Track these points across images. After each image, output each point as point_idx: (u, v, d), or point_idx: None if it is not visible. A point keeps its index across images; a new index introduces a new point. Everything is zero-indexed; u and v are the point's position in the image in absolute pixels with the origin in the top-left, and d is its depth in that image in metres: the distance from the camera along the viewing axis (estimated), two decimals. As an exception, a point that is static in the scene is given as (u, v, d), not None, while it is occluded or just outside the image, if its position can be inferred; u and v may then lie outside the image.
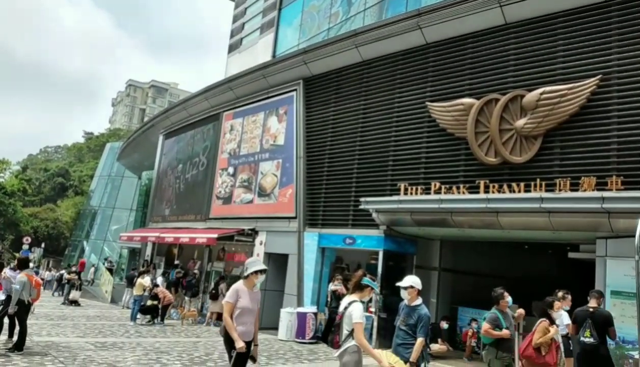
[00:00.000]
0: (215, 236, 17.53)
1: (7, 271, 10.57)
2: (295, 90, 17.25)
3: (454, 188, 12.06)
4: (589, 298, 7.96)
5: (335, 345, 5.72)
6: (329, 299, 13.87)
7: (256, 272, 5.97)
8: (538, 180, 10.79)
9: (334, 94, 16.17)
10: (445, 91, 13.09)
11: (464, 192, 11.84)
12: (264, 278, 6.06)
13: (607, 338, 7.65)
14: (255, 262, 6.17)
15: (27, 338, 9.74)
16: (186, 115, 23.88)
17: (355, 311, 5.52)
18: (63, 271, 28.74)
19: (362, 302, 5.72)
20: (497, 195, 11.16)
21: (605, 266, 9.98)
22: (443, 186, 12.25)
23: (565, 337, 7.91)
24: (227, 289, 16.62)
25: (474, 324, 12.95)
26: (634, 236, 8.13)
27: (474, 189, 11.72)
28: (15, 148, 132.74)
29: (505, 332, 7.16)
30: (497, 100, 11.84)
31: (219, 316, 16.71)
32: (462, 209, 11.64)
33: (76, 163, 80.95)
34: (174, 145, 25.32)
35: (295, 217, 16.11)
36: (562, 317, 8.08)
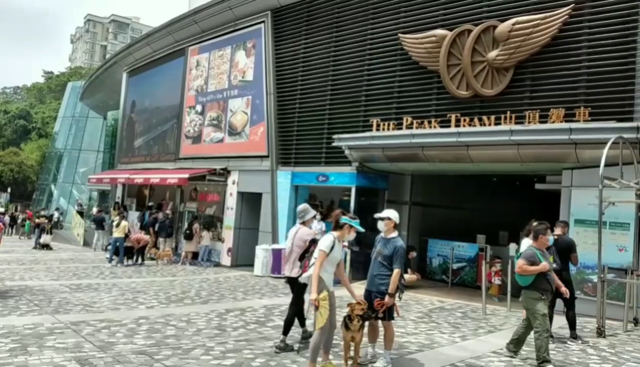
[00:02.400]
0: (186, 176, 17.33)
1: None
2: (264, 22, 16.63)
3: (426, 122, 12.06)
4: (555, 227, 8.23)
5: (304, 270, 6.14)
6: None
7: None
8: (508, 112, 10.86)
9: (304, 26, 15.66)
10: (418, 22, 12.81)
11: (435, 127, 11.87)
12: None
13: (570, 264, 7.99)
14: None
15: (-1, 283, 9.66)
16: (150, 51, 22.93)
17: (322, 240, 5.76)
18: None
19: (344, 241, 5.81)
20: (467, 128, 11.22)
21: (570, 195, 10.30)
22: (415, 121, 12.23)
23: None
24: (201, 229, 16.79)
25: (497, 263, 12.69)
26: (598, 166, 8.40)
27: (446, 123, 11.74)
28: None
29: (543, 265, 6.25)
30: (469, 31, 11.67)
31: (194, 255, 16.86)
32: (433, 143, 11.70)
33: (37, 104, 77.91)
34: (139, 83, 24.45)
35: (267, 156, 15.98)
36: (523, 245, 8.35)
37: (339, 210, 6.00)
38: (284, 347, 6.56)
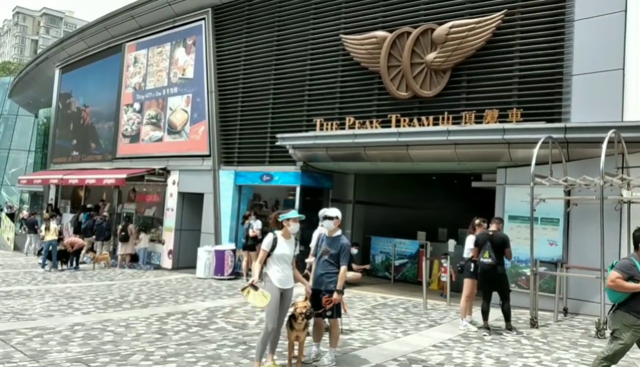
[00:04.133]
0: (124, 176, 16.75)
1: None
2: (204, 19, 16.33)
3: (368, 123, 12.25)
4: (490, 223, 8.57)
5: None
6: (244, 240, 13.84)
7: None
8: (446, 113, 11.20)
9: (245, 24, 15.51)
10: (359, 23, 12.98)
11: (376, 127, 12.07)
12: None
13: (504, 258, 8.35)
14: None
15: None
16: (85, 47, 21.98)
17: (264, 240, 5.85)
18: None
19: (293, 235, 5.87)
20: (407, 129, 11.49)
21: (504, 193, 10.76)
22: (357, 121, 12.39)
23: (470, 260, 8.53)
24: (137, 230, 16.25)
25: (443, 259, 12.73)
26: (530, 165, 8.82)
27: (386, 124, 11.97)
28: None
29: None
30: (408, 33, 11.95)
31: (133, 258, 16.33)
32: (374, 143, 11.91)
33: (-40, 100, 72.98)
34: (73, 80, 23.37)
35: (209, 155, 15.70)
36: (469, 242, 8.68)
37: (274, 213, 6.01)
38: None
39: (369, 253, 14.91)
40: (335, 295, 5.92)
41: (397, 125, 11.70)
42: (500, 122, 10.47)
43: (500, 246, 8.20)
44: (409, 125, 11.61)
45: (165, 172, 16.84)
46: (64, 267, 15.16)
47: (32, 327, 7.59)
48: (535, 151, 8.80)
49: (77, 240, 15.87)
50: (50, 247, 14.93)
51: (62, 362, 5.89)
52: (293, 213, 5.91)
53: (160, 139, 17.46)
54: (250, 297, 5.52)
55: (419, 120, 11.55)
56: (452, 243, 12.78)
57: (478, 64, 11.25)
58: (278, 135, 13.53)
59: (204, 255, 14.10)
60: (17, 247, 23.28)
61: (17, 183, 31.93)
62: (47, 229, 15.24)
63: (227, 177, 15.31)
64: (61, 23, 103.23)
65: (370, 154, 12.15)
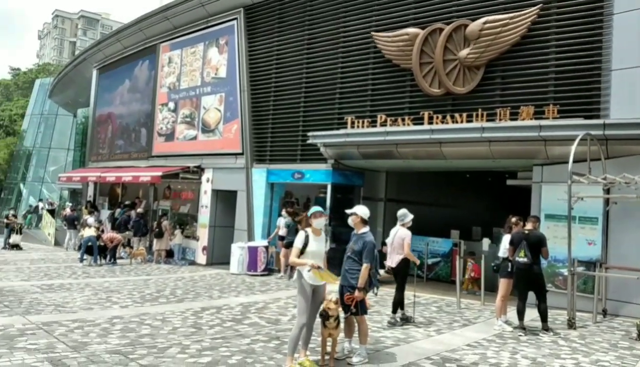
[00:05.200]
0: (160, 173, 17.12)
1: None
2: (236, 19, 16.52)
3: (400, 120, 12.19)
4: (526, 222, 8.42)
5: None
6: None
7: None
8: (480, 110, 11.04)
9: (277, 24, 15.62)
10: (390, 20, 12.91)
11: (409, 124, 12.00)
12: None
13: (541, 258, 8.19)
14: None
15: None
16: (121, 48, 22.53)
17: (296, 238, 5.92)
18: None
19: (324, 232, 5.95)
20: (440, 126, 11.38)
21: (540, 191, 10.54)
22: (389, 118, 12.35)
23: (505, 260, 8.41)
24: (171, 226, 16.61)
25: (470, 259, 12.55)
26: (567, 162, 8.62)
27: (419, 121, 11.88)
28: None
29: None
30: (441, 30, 11.82)
31: (169, 254, 16.69)
32: (407, 140, 11.83)
33: (4, 101, 75.68)
34: (110, 80, 24.01)
35: (242, 153, 15.90)
36: (504, 241, 8.56)
37: (304, 215, 6.13)
38: (394, 323, 8.18)
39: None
40: (356, 292, 5.94)
41: (430, 123, 11.61)
42: (536, 118, 10.26)
43: (536, 245, 8.05)
44: (442, 122, 11.50)
45: (200, 170, 17.13)
46: (103, 262, 15.60)
47: (73, 320, 7.85)
48: (573, 148, 8.60)
49: (116, 236, 16.33)
50: (90, 243, 15.37)
51: (101, 353, 6.09)
52: (314, 208, 5.97)
53: (195, 138, 17.77)
54: (322, 277, 5.65)
55: (452, 117, 11.43)
56: (486, 242, 12.59)
57: (513, 60, 11.05)
58: (309, 134, 13.59)
59: (238, 251, 14.30)
60: (57, 243, 24.07)
61: (57, 180, 32.98)
62: (86, 225, 15.70)
63: (259, 175, 15.47)
64: (98, 25, 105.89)
65: (402, 152, 12.08)
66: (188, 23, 18.35)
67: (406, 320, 8.45)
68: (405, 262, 8.38)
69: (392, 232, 8.63)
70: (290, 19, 15.27)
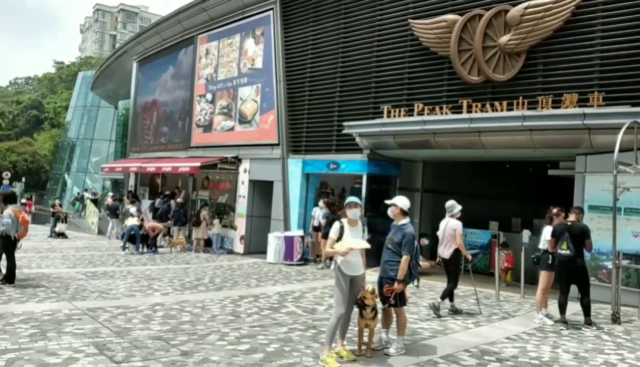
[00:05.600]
0: (198, 164, 17.42)
1: None
2: (272, 9, 16.57)
3: (437, 109, 12.01)
4: (569, 213, 8.19)
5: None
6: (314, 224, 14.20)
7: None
8: (520, 98, 10.76)
9: (312, 13, 15.58)
10: (427, 7, 12.69)
11: (446, 113, 11.81)
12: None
13: (584, 250, 7.95)
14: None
15: (17, 271, 9.82)
16: (159, 40, 22.95)
17: (331, 228, 5.92)
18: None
19: (360, 222, 5.94)
20: (479, 114, 11.16)
21: (584, 181, 10.22)
22: (426, 107, 12.18)
23: (546, 252, 8.21)
24: (210, 216, 16.92)
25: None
26: (612, 152, 8.32)
27: (457, 109, 11.68)
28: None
29: None
30: (480, 16, 11.55)
31: (207, 243, 17.01)
32: (444, 129, 11.65)
33: (49, 94, 78.45)
34: (149, 72, 24.51)
35: (278, 144, 16.01)
36: (545, 233, 8.35)
37: (343, 209, 6.14)
38: (455, 311, 8.48)
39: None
40: (395, 284, 5.91)
41: (469, 111, 11.38)
42: (579, 106, 9.93)
43: (579, 236, 7.82)
44: (481, 110, 11.26)
45: (237, 160, 17.34)
46: (145, 250, 16.04)
47: (117, 306, 8.11)
48: (619, 137, 8.28)
49: (158, 225, 16.76)
50: (132, 232, 15.82)
51: (144, 339, 6.27)
52: (349, 199, 5.97)
53: (232, 129, 17.98)
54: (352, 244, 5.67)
55: (492, 105, 11.17)
56: (526, 234, 12.33)
57: (555, 46, 10.70)
58: (345, 124, 13.55)
59: (274, 241, 14.46)
60: (100, 231, 24.85)
61: (99, 171, 34.02)
62: (129, 215, 16.18)
63: (295, 165, 15.55)
64: (137, 18, 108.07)
65: (440, 141, 11.91)
66: (225, 14, 18.52)
67: (455, 312, 8.51)
68: (457, 253, 8.46)
69: (442, 224, 8.71)
70: (326, 8, 15.20)
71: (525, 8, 10.83)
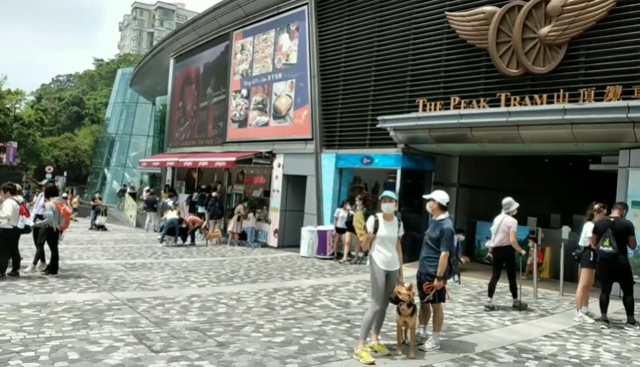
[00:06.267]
0: (234, 159, 17.64)
1: (40, 198, 10.88)
2: (307, 4, 16.57)
3: (474, 102, 11.79)
4: (612, 209, 7.93)
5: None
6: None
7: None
8: (561, 91, 10.45)
9: (347, 7, 15.51)
10: None
11: (484, 106, 11.58)
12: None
13: (627, 247, 7.68)
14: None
15: (59, 262, 10.17)
16: (196, 37, 23.30)
17: (367, 223, 5.90)
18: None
19: (396, 217, 5.90)
20: (518, 107, 10.89)
21: (627, 176, 9.87)
22: (463, 101, 11.96)
23: (587, 249, 7.97)
24: (245, 210, 17.13)
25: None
26: (659, 145, 7.99)
27: (495, 103, 11.44)
28: (27, 79, 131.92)
29: None
30: (520, 7, 11.26)
31: (242, 236, 17.23)
32: (482, 123, 11.42)
33: (89, 91, 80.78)
34: (185, 68, 24.93)
35: (311, 139, 16.04)
36: (586, 229, 8.10)
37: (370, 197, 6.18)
38: (519, 306, 8.45)
39: (474, 239, 14.43)
40: (435, 281, 5.83)
41: (507, 105, 11.13)
42: (623, 99, 9.58)
43: (623, 233, 7.55)
44: (520, 104, 10.99)
45: (271, 155, 17.47)
46: (183, 242, 16.39)
47: (155, 297, 8.30)
48: (667, 130, 7.95)
49: (197, 219, 17.12)
50: (172, 225, 16.18)
51: (181, 329, 6.40)
52: (383, 193, 5.94)
53: (266, 124, 18.12)
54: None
55: (531, 98, 10.89)
56: (566, 230, 12.00)
57: (599, 37, 10.34)
58: (379, 118, 13.45)
59: (307, 235, 14.53)
60: (138, 224, 25.49)
61: (138, 165, 34.82)
62: (169, 208, 16.59)
63: (328, 160, 15.56)
64: (173, 15, 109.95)
65: (476, 135, 11.69)
66: (260, 10, 18.63)
67: (519, 307, 8.48)
68: (511, 249, 8.45)
69: (497, 220, 8.67)
70: (361, 1, 15.09)
71: (567, -2, 10.50)
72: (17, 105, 50.67)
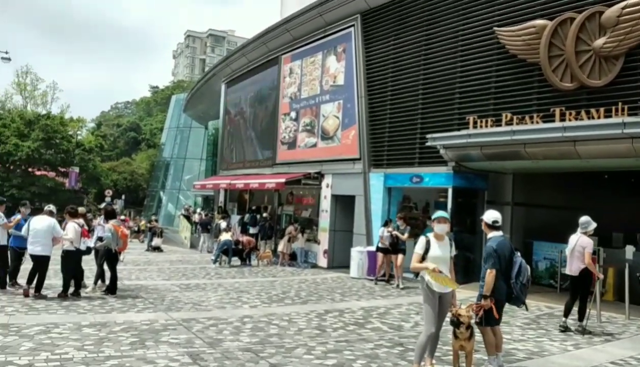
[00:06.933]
0: (283, 180, 17.86)
1: (100, 221, 11.39)
2: (353, 26, 16.75)
3: (527, 118, 11.48)
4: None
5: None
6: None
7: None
8: (620, 104, 10.03)
9: (393, 27, 15.56)
10: (514, 14, 12.23)
11: (537, 122, 11.26)
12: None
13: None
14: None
15: (118, 282, 10.54)
16: (246, 62, 23.94)
17: (417, 243, 5.80)
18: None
19: (448, 237, 5.76)
20: (574, 122, 10.52)
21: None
22: (515, 117, 11.68)
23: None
24: (296, 231, 17.26)
25: None
26: None
27: (549, 118, 11.10)
28: (87, 106, 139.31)
29: None
30: (572, 19, 10.95)
31: (291, 257, 17.33)
32: (536, 139, 11.08)
33: (145, 117, 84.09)
34: (236, 93, 25.61)
35: (359, 159, 16.05)
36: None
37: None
38: (582, 330, 8.18)
39: (530, 259, 13.90)
40: (482, 300, 5.64)
41: (562, 119, 10.77)
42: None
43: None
44: (576, 118, 10.61)
45: (320, 176, 17.59)
46: (239, 263, 16.69)
47: (209, 317, 8.45)
48: None
49: (252, 239, 17.44)
50: (226, 246, 16.52)
51: (234, 350, 6.47)
52: (437, 213, 5.82)
53: (315, 145, 18.29)
54: (442, 281, 5.49)
55: (587, 112, 10.50)
56: (630, 249, 11.40)
57: (659, 46, 9.89)
58: (428, 136, 13.31)
59: (357, 255, 14.44)
60: (192, 245, 26.09)
61: (192, 188, 35.79)
62: (224, 230, 17.02)
63: (376, 179, 15.49)
64: (224, 42, 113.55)
65: (530, 152, 11.35)
66: (307, 33, 18.98)
67: (582, 332, 8.25)
68: (587, 271, 8.28)
69: (572, 239, 8.53)
70: (407, 20, 15.12)
71: (623, 8, 10.13)
72: (78, 132, 53.42)
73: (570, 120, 10.64)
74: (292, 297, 10.90)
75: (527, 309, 6.10)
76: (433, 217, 5.88)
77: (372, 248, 14.50)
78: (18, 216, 10.66)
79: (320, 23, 18.04)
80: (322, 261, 16.93)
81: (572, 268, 8.43)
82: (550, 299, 11.42)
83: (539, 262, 13.83)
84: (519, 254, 5.90)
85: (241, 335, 7.29)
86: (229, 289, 11.73)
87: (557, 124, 10.69)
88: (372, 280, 13.60)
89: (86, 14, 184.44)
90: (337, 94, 17.38)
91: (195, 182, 32.11)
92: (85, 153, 47.20)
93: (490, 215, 6.02)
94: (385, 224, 13.85)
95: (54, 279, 10.84)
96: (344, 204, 16.72)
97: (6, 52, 28.64)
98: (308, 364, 6.00)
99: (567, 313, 8.42)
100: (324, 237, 17.09)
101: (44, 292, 9.56)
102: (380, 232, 13.74)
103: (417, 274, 6.40)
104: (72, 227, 9.71)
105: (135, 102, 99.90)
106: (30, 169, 43.35)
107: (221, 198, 25.49)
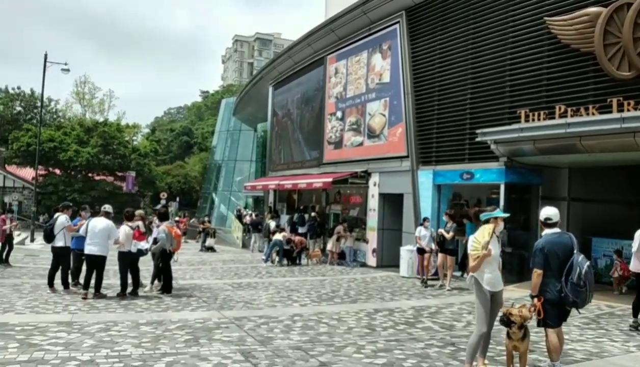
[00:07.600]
0: (330, 180, 17.93)
1: (156, 221, 11.80)
2: (398, 22, 16.58)
3: (582, 110, 11.03)
4: None
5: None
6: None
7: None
8: (685, 91, 9.48)
9: (439, 21, 15.30)
10: (566, 2, 11.76)
11: (593, 113, 10.80)
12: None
13: None
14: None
15: (173, 282, 10.89)
16: (292, 64, 24.16)
17: (468, 243, 5.66)
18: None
19: (497, 235, 5.58)
20: (633, 113, 10.01)
21: None
22: (569, 109, 11.24)
23: None
24: (345, 230, 17.29)
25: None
26: None
27: (606, 109, 10.61)
28: (141, 112, 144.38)
29: None
30: (629, 4, 10.43)
31: (340, 256, 17.38)
32: (592, 131, 10.61)
33: (197, 121, 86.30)
34: (283, 95, 25.90)
35: (407, 156, 15.88)
36: None
37: (475, 209, 5.76)
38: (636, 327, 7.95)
39: (589, 257, 13.32)
40: (535, 300, 5.43)
41: (620, 110, 10.27)
42: None
43: None
44: (635, 109, 10.10)
45: (367, 174, 17.54)
46: (289, 263, 16.90)
47: (260, 315, 8.60)
48: None
49: (303, 239, 17.64)
50: (277, 247, 16.78)
51: (285, 348, 6.56)
52: (498, 212, 5.65)
53: (361, 144, 18.24)
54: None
55: (648, 102, 9.98)
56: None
57: None
58: (478, 131, 13.00)
59: (406, 254, 14.31)
60: (244, 245, 26.61)
61: (242, 189, 36.48)
62: (275, 230, 17.34)
63: (425, 177, 15.28)
64: (271, 45, 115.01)
65: (587, 145, 10.89)
66: (352, 33, 18.96)
67: (636, 328, 8.02)
68: None
69: (638, 234, 8.25)
70: (454, 14, 14.84)
71: (686, -11, 9.57)
72: (134, 138, 55.54)
73: (629, 110, 10.13)
74: (341, 296, 10.93)
75: (577, 310, 5.57)
76: (494, 215, 5.64)
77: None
78: (82, 221, 11.02)
79: (365, 21, 17.97)
80: (371, 260, 16.87)
81: (637, 266, 8.08)
82: (610, 298, 10.92)
83: (598, 259, 13.24)
84: (576, 252, 5.53)
85: (291, 333, 7.38)
86: (280, 287, 11.89)
87: (615, 114, 10.21)
88: (420, 278, 13.27)
89: (139, 26, 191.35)
90: (383, 92, 17.27)
91: (245, 183, 32.73)
92: (140, 158, 49.00)
93: (544, 212, 5.83)
94: (422, 223, 13.44)
95: (114, 278, 11.32)
96: (392, 202, 16.59)
97: (65, 63, 30.07)
98: (358, 362, 6.01)
99: (636, 312, 8.07)
100: (372, 236, 17.03)
101: (103, 291, 9.99)
102: (417, 232, 13.38)
103: (464, 273, 6.27)
104: (124, 230, 10.11)
105: (187, 107, 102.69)
106: (90, 174, 45.53)
107: (271, 198, 25.86)
